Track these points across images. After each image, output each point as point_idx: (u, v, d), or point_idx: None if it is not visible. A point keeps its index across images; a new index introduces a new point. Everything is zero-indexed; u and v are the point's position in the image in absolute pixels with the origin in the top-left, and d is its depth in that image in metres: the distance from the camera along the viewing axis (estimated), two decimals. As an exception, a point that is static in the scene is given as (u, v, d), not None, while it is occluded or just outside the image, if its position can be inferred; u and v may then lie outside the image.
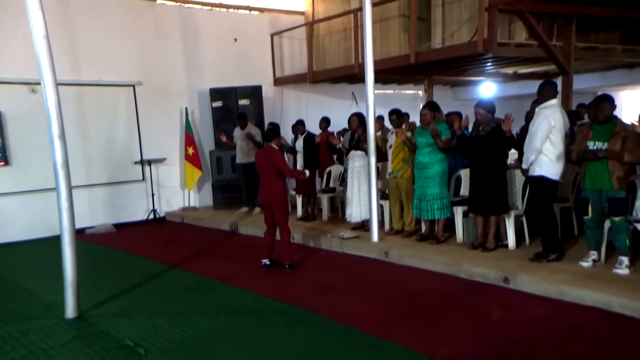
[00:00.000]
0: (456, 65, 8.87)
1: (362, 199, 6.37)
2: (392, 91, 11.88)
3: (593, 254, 4.68)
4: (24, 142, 7.69)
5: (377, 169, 6.60)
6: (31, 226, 7.71)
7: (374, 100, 5.87)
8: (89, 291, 4.64)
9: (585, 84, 9.90)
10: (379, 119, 6.40)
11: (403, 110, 6.60)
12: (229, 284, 4.93)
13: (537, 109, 4.86)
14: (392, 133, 6.17)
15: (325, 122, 7.98)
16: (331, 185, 7.87)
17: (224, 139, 8.32)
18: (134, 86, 8.69)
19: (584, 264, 4.64)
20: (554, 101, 4.84)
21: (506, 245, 5.43)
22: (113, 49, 8.41)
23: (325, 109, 9.91)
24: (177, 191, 9.42)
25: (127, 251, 6.60)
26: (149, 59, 8.86)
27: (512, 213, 5.36)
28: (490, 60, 8.52)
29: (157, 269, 5.58)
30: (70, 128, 8.11)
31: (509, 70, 9.99)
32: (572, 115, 6.77)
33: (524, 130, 5.82)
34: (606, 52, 8.18)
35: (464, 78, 10.44)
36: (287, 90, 10.52)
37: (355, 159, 6.49)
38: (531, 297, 4.26)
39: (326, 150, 7.76)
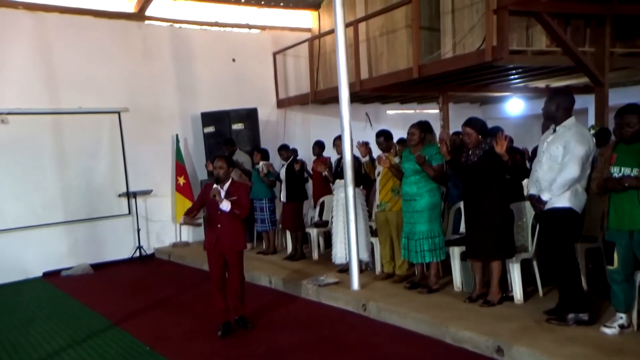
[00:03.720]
0: (473, 79, 7.93)
1: (350, 236, 5.53)
2: (412, 111, 10.96)
3: (621, 318, 3.59)
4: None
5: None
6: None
7: (349, 121, 5.25)
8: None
9: (631, 97, 8.62)
10: (366, 144, 5.63)
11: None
12: (158, 353, 4.16)
13: (559, 128, 3.87)
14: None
15: (318, 147, 7.23)
16: (324, 218, 7.05)
17: (210, 167, 7.71)
18: (119, 113, 8.26)
19: (608, 331, 3.56)
20: (573, 119, 3.91)
21: (512, 298, 4.40)
22: (96, 74, 8.02)
23: (334, 131, 9.12)
24: (169, 225, 8.84)
25: (83, 300, 5.98)
26: (136, 84, 8.43)
27: (518, 257, 4.34)
28: (513, 72, 7.55)
29: (96, 327, 4.92)
30: (46, 160, 7.82)
31: (540, 84, 8.90)
32: (603, 134, 5.74)
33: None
34: (655, 58, 7.00)
35: (485, 94, 9.43)
36: (292, 112, 9.88)
37: (341, 189, 5.70)
38: (529, 379, 3.25)
39: (320, 178, 7.00)
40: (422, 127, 4.95)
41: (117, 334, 4.71)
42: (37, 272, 7.59)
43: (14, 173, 7.40)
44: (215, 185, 4.38)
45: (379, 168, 5.35)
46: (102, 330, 4.84)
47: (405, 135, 5.62)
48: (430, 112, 10.81)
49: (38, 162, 7.63)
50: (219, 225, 4.39)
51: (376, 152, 5.69)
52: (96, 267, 7.80)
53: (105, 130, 8.19)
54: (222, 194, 4.34)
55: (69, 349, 4.41)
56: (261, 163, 7.18)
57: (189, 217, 4.47)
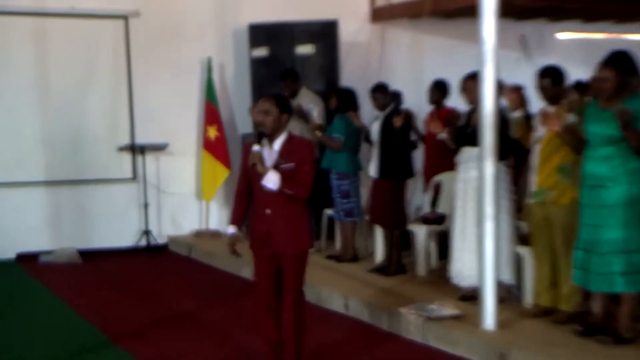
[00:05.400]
0: None
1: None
2: (603, 35, 10.69)
3: None
4: None
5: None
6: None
7: (494, 48, 5.15)
8: None
9: None
10: (519, 89, 5.52)
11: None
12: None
13: None
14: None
15: (438, 90, 7.22)
16: (441, 209, 7.00)
17: (254, 115, 7.83)
18: (126, 18, 8.63)
19: None
20: None
21: None
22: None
23: (466, 66, 9.00)
24: (190, 201, 9.23)
25: (68, 300, 6.41)
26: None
27: None
28: None
29: (84, 341, 5.30)
30: (22, 88, 8.13)
31: None
32: None
33: None
34: None
35: None
36: (396, 30, 9.93)
37: (472, 164, 5.66)
38: None
39: (436, 144, 7.04)
40: (619, 67, 4.76)
41: (113, 356, 4.99)
42: (9, 253, 8.23)
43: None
44: (255, 147, 4.23)
45: (541, 131, 5.30)
46: (93, 347, 5.15)
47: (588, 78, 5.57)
48: (636, 40, 10.40)
49: (11, 90, 8.16)
50: (267, 211, 4.30)
51: (536, 104, 5.63)
52: (85, 254, 8.33)
53: (105, 45, 8.64)
54: (268, 160, 4.20)
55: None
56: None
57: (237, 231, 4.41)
